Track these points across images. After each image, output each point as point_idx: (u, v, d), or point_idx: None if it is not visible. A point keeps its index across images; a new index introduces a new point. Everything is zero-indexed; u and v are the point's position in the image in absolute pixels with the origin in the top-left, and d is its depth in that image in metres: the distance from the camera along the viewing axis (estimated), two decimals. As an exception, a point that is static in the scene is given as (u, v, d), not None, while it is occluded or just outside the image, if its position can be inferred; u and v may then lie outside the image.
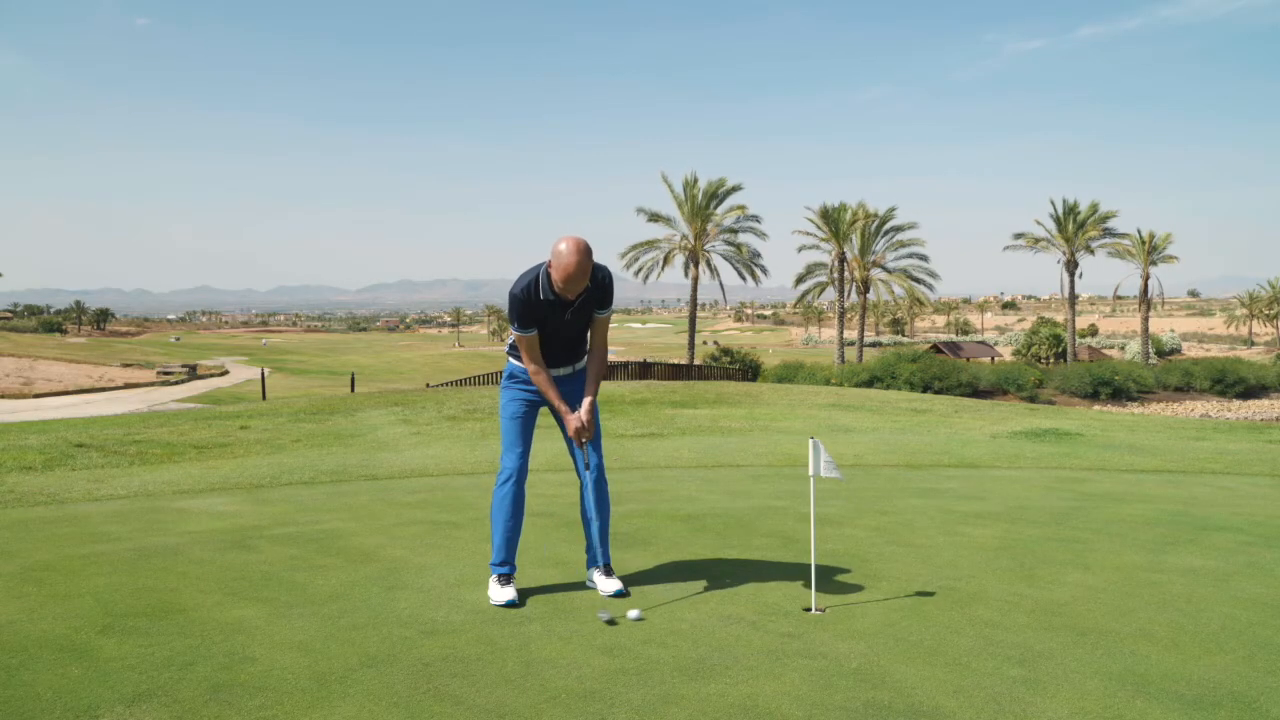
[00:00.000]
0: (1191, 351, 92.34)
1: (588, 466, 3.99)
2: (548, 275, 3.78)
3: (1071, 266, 53.83)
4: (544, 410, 4.12)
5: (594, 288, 3.84)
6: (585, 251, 3.68)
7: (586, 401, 3.97)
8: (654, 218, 45.37)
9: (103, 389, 45.82)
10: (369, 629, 3.47)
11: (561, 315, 3.85)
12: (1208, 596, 4.02)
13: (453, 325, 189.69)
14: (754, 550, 4.84)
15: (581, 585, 4.11)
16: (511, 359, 4.07)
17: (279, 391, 41.57)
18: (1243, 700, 2.88)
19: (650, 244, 46.05)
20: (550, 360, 3.98)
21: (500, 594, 3.82)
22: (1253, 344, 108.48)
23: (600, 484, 4.03)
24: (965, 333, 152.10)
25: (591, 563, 4.09)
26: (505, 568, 3.92)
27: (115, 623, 3.50)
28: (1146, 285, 56.11)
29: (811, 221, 48.89)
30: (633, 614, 3.62)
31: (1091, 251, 53.95)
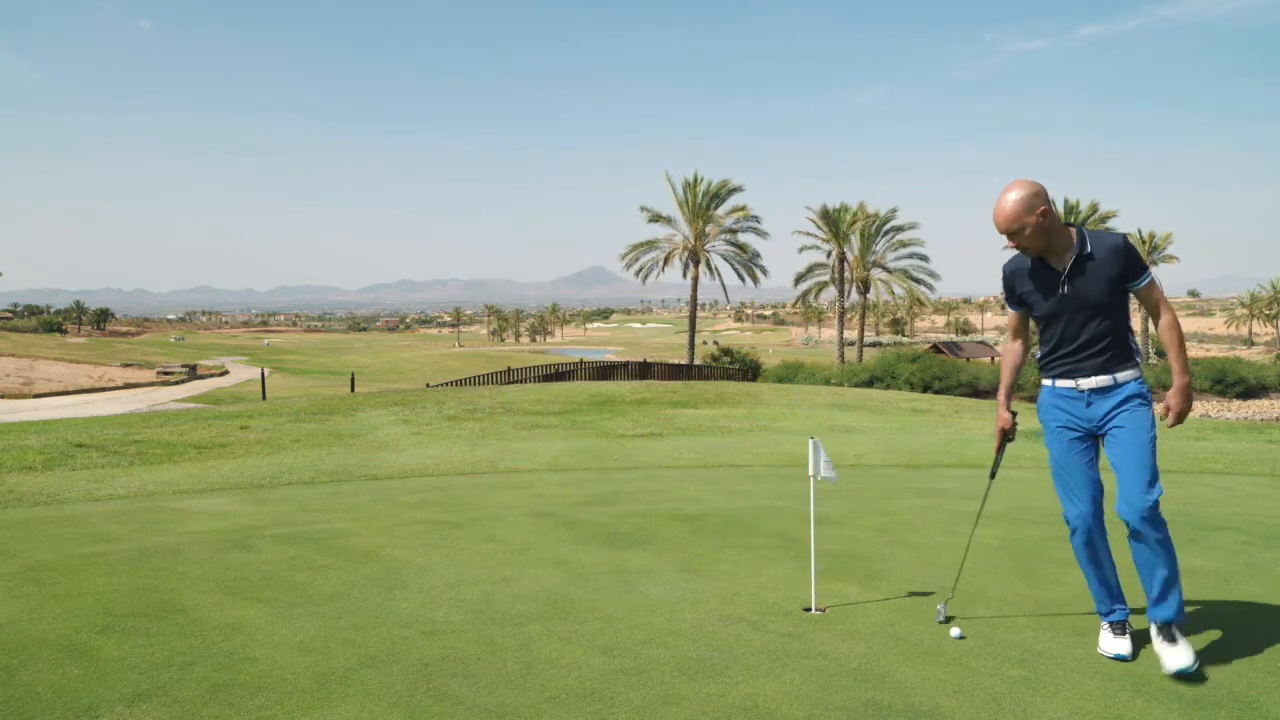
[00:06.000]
0: (1191, 351, 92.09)
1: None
2: None
3: (1072, 266, 53.81)
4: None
5: (1100, 251, 3.22)
6: (1022, 184, 3.23)
7: (1178, 383, 3.27)
8: (655, 218, 45.42)
9: (103, 389, 45.78)
10: (369, 629, 3.47)
11: (1056, 289, 3.28)
12: (1208, 597, 4.02)
13: (453, 325, 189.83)
14: (754, 550, 4.84)
15: (581, 585, 4.09)
16: (1043, 380, 3.47)
17: (279, 391, 41.54)
18: (1243, 700, 2.88)
19: (650, 244, 46.08)
20: (1074, 367, 3.32)
21: (1112, 645, 3.32)
22: (1253, 344, 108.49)
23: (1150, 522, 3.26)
24: (965, 333, 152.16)
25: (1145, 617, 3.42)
26: (1112, 615, 3.40)
27: (115, 623, 3.50)
28: (1146, 285, 56.12)
29: (812, 221, 48.95)
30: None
31: (1092, 251, 53.95)
